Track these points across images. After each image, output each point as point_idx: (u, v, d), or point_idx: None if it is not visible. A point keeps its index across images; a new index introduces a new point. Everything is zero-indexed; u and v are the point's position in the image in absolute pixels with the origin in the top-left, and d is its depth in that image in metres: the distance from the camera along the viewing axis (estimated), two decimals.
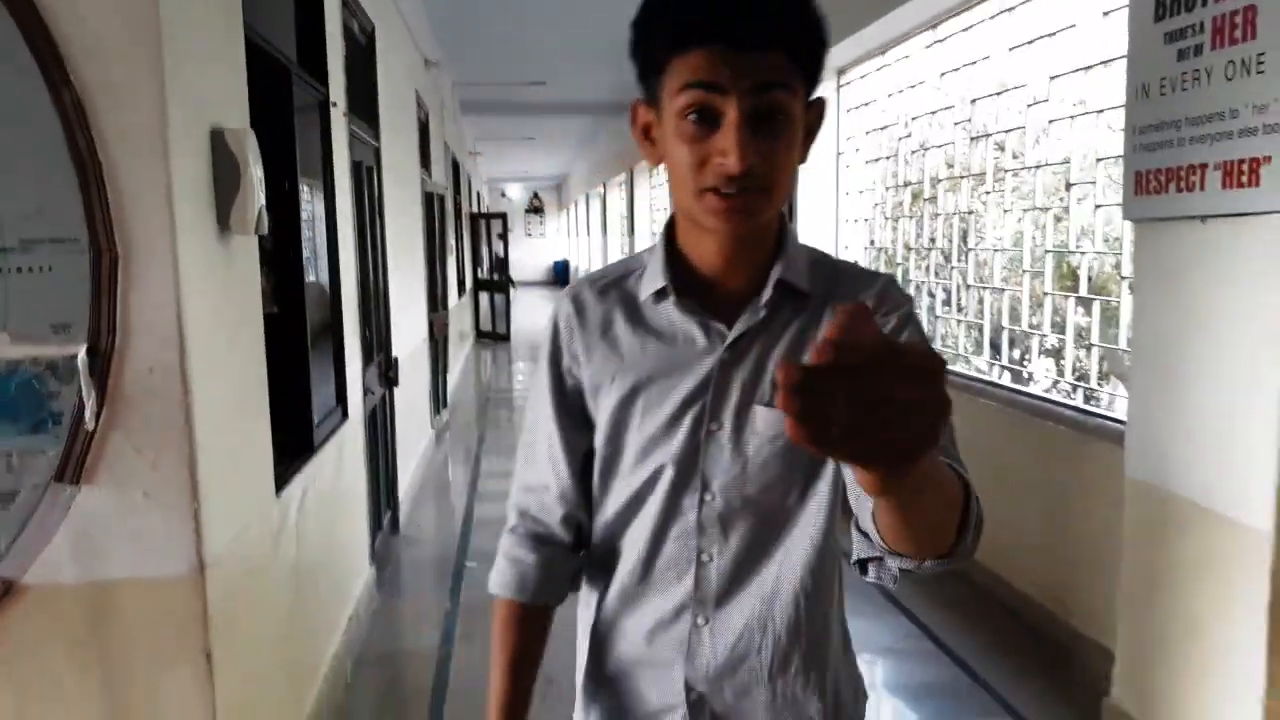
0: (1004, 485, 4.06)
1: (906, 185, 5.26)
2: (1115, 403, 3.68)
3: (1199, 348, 2.35)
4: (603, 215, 19.35)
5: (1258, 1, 2.08)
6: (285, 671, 2.69)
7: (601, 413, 1.14)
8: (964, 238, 4.72)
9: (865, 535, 0.95)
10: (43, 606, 1.90)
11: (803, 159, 1.04)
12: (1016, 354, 4.37)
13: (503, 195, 27.79)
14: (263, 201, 2.24)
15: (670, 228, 1.15)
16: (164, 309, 1.88)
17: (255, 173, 2.19)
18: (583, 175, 20.96)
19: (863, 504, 0.94)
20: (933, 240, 5.05)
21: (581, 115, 13.26)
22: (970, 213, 4.71)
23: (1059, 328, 4.07)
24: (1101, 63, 3.34)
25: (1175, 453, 2.46)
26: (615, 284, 1.18)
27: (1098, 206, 3.58)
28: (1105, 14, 3.25)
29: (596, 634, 1.21)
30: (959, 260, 4.79)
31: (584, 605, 1.25)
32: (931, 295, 5.12)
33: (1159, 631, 2.56)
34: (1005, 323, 4.27)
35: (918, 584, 4.27)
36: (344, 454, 3.68)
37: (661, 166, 1.06)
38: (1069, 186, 3.74)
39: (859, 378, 0.53)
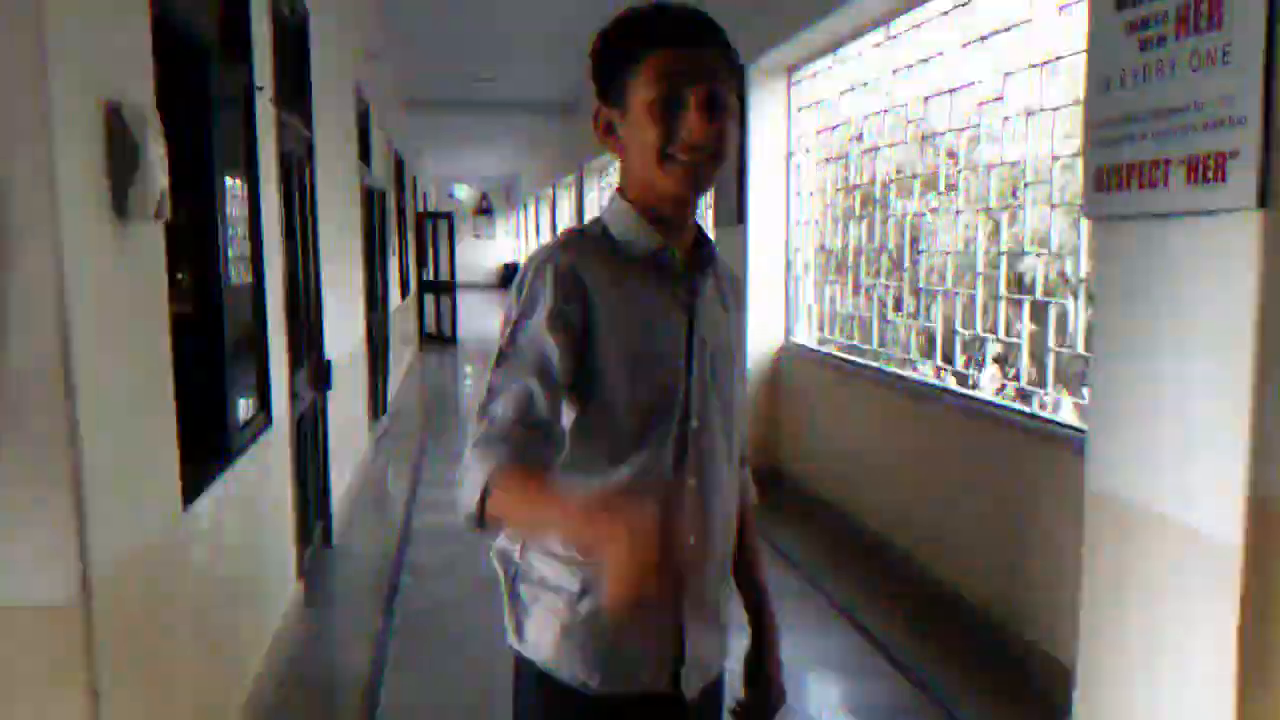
0: (954, 492, 3.97)
1: (856, 188, 5.17)
2: (1062, 408, 3.60)
3: (1163, 353, 2.26)
4: (552, 217, 19.16)
5: None
6: (198, 701, 2.48)
7: (600, 359, 1.28)
8: (914, 242, 4.64)
9: None
10: None
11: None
12: (963, 360, 4.29)
13: (450, 196, 27.35)
14: (165, 185, 2.05)
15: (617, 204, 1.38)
16: (44, 300, 1.68)
17: (156, 153, 1.99)
18: (534, 176, 20.72)
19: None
20: (884, 245, 4.96)
21: (532, 114, 13.08)
22: (920, 215, 4.62)
23: (1010, 333, 3.99)
24: (1057, 58, 3.26)
25: (1139, 464, 2.36)
26: (599, 244, 1.35)
27: (1053, 206, 3.49)
28: (1061, 9, 3.17)
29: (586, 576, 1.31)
30: (908, 264, 4.70)
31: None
32: (882, 300, 5.03)
33: (1122, 654, 2.46)
34: (959, 327, 4.17)
35: (870, 597, 4.17)
36: (268, 461, 3.47)
37: (615, 166, 1.10)
38: (1026, 185, 3.65)
39: None
